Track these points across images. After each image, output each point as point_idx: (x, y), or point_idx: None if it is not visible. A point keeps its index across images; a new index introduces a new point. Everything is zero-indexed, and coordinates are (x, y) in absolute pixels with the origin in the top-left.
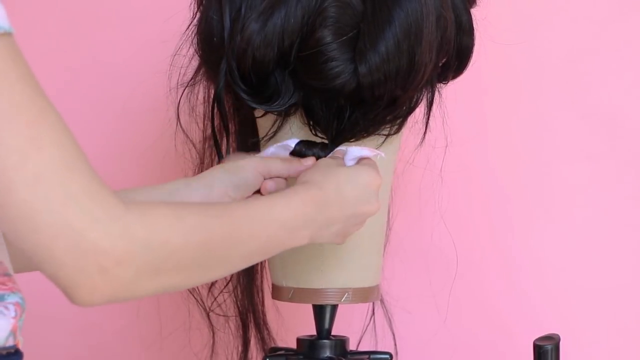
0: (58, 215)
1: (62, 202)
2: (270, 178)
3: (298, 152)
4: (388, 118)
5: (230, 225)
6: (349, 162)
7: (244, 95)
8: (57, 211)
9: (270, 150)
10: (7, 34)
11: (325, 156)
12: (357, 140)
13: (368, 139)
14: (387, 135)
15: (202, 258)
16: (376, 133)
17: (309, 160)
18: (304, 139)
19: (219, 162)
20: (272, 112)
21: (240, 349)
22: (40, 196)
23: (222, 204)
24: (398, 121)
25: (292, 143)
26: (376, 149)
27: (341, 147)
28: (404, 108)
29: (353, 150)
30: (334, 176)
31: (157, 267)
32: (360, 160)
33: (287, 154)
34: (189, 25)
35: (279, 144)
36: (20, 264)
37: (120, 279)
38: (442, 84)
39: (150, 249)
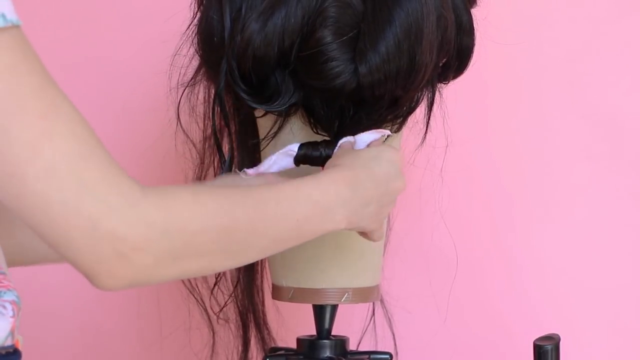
0: (73, 205)
1: (76, 192)
2: None
3: (303, 156)
4: (389, 117)
5: (255, 208)
6: (359, 145)
7: (244, 95)
8: (72, 201)
9: (273, 158)
10: (16, 27)
11: (332, 153)
12: None
13: None
14: (387, 137)
15: (225, 243)
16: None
17: None
18: (305, 140)
19: (220, 162)
20: (272, 112)
21: (240, 348)
22: (54, 187)
23: (247, 188)
24: (399, 120)
25: (294, 147)
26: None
27: (348, 138)
28: (405, 108)
29: (362, 137)
30: (359, 157)
31: (176, 253)
32: (371, 144)
33: (290, 160)
34: (189, 25)
35: (281, 150)
36: (19, 257)
37: (139, 264)
38: (442, 84)
39: (168, 234)
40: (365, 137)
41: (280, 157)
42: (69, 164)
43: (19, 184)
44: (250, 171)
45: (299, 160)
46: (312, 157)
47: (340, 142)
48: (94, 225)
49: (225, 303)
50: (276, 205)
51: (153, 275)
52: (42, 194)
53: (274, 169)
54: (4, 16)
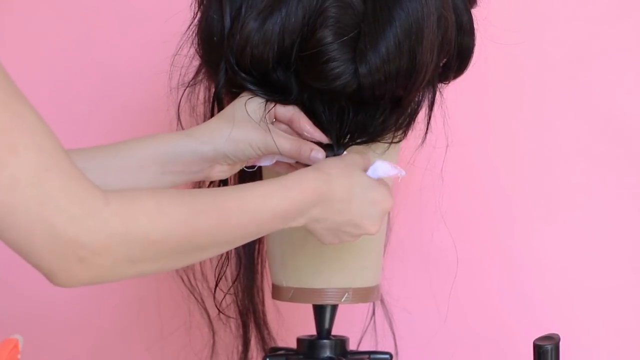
0: (36, 216)
1: (40, 202)
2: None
3: None
4: (393, 121)
5: (218, 219)
6: (372, 172)
7: (251, 86)
8: (35, 212)
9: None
10: None
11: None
12: (363, 144)
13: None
14: (391, 142)
15: (183, 249)
16: (382, 141)
17: (319, 154)
18: None
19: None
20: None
21: (240, 348)
22: (18, 198)
23: (214, 193)
24: (404, 125)
25: None
26: (379, 155)
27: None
28: (408, 111)
29: (379, 165)
30: (351, 178)
31: (134, 258)
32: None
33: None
34: (190, 25)
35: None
36: None
37: (97, 267)
38: (443, 84)
39: (127, 242)
40: (381, 168)
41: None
42: (32, 175)
43: None
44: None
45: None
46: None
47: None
48: (56, 233)
49: (224, 296)
50: (240, 215)
51: (110, 277)
52: (7, 204)
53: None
54: None
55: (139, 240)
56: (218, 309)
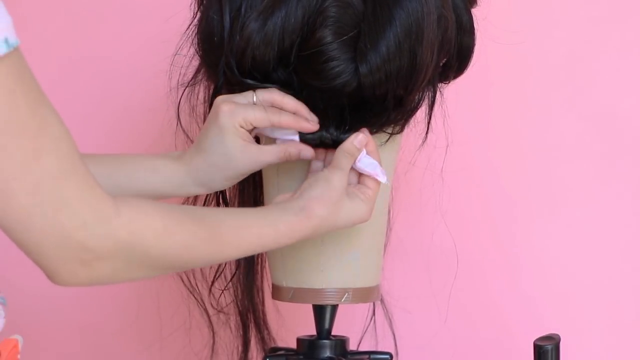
0: (51, 219)
1: (56, 207)
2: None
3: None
4: (392, 118)
5: (215, 248)
6: (361, 165)
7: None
8: (51, 216)
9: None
10: (15, 49)
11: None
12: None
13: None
14: (391, 134)
15: (176, 266)
16: (382, 130)
17: (308, 152)
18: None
19: None
20: None
21: (240, 349)
22: (37, 203)
23: (215, 221)
24: (403, 120)
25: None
26: (379, 147)
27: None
28: (409, 108)
29: (366, 160)
30: (336, 214)
31: (132, 266)
32: (364, 180)
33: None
34: (189, 25)
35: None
36: None
37: (98, 270)
38: (443, 84)
39: (130, 251)
40: (367, 166)
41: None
42: (53, 181)
43: (7, 196)
44: (274, 133)
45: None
46: (309, 139)
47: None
48: (67, 237)
49: (221, 293)
50: (234, 249)
51: (107, 280)
52: (26, 207)
53: (277, 135)
54: (7, 41)
55: (141, 253)
56: (214, 307)
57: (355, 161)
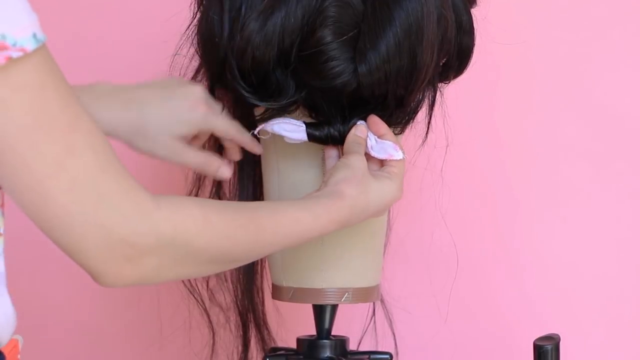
0: (91, 216)
1: (95, 203)
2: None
3: (309, 135)
4: (393, 118)
5: (255, 236)
6: (377, 152)
7: (246, 94)
8: (90, 212)
9: (279, 120)
10: (43, 45)
11: (337, 131)
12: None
13: None
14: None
15: (220, 258)
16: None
17: (227, 171)
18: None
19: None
20: (272, 109)
21: (240, 349)
22: (76, 200)
23: (253, 210)
24: (404, 121)
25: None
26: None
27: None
28: (410, 109)
29: (378, 148)
30: (367, 193)
31: (177, 261)
32: (387, 162)
33: (296, 129)
34: (189, 25)
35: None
36: None
37: (144, 267)
38: (443, 84)
39: (173, 246)
40: (381, 150)
41: (286, 123)
42: (89, 177)
43: (42, 197)
44: (257, 129)
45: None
46: (317, 137)
47: (357, 124)
48: (109, 233)
49: (221, 289)
50: (273, 235)
51: (154, 278)
52: (64, 205)
53: (279, 130)
54: (35, 36)
55: (184, 246)
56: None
57: (369, 149)
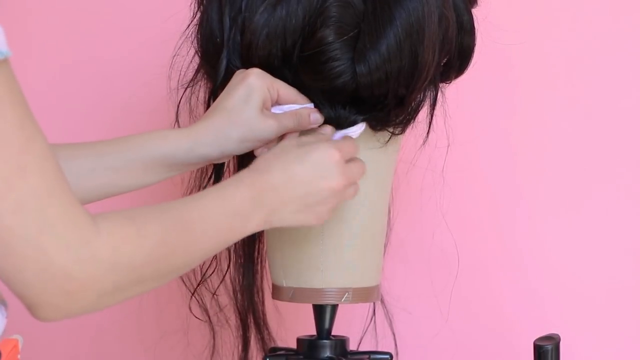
0: (34, 242)
1: (39, 228)
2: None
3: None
4: (394, 118)
5: (188, 233)
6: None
7: None
8: (33, 237)
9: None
10: (4, 60)
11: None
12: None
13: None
14: (392, 134)
15: (162, 269)
16: (385, 130)
17: (317, 114)
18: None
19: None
20: None
21: (240, 349)
22: (20, 223)
23: (178, 207)
24: (405, 121)
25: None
26: (379, 147)
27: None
28: (411, 108)
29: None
30: (282, 159)
31: (119, 286)
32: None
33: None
34: (189, 25)
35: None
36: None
37: (82, 300)
38: (445, 84)
39: (115, 271)
40: (343, 132)
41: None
42: (36, 200)
43: None
44: (275, 109)
45: None
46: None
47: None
48: (49, 263)
49: (218, 286)
50: (202, 223)
51: (94, 308)
52: (8, 228)
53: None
54: None
55: (126, 267)
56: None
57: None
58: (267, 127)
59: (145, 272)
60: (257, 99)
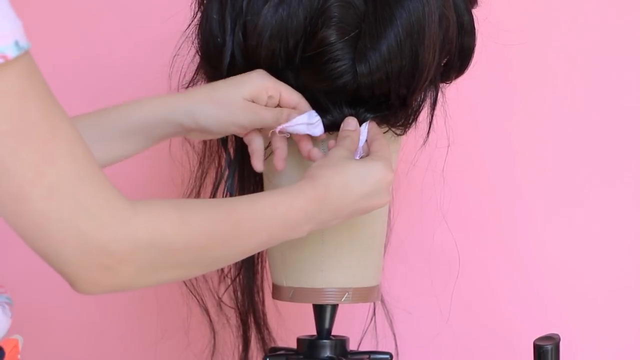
0: (69, 223)
1: (73, 210)
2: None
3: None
4: (395, 118)
5: (234, 227)
6: (362, 141)
7: None
8: (68, 219)
9: (299, 118)
10: (26, 53)
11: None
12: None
13: None
14: (394, 134)
15: (202, 257)
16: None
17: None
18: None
19: (225, 160)
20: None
21: (240, 348)
22: (54, 207)
23: (230, 201)
24: (406, 122)
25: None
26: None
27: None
28: (412, 109)
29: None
30: (344, 173)
31: (157, 265)
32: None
33: (312, 121)
34: (189, 25)
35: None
36: None
37: (121, 274)
38: (445, 84)
39: (153, 250)
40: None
41: (304, 117)
42: (69, 184)
43: (21, 203)
44: (278, 129)
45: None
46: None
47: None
48: (86, 241)
49: (225, 291)
50: (252, 224)
51: (132, 284)
52: (42, 212)
53: (299, 129)
54: (17, 44)
55: (164, 249)
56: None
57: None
58: (245, 114)
59: (184, 258)
60: (248, 89)
